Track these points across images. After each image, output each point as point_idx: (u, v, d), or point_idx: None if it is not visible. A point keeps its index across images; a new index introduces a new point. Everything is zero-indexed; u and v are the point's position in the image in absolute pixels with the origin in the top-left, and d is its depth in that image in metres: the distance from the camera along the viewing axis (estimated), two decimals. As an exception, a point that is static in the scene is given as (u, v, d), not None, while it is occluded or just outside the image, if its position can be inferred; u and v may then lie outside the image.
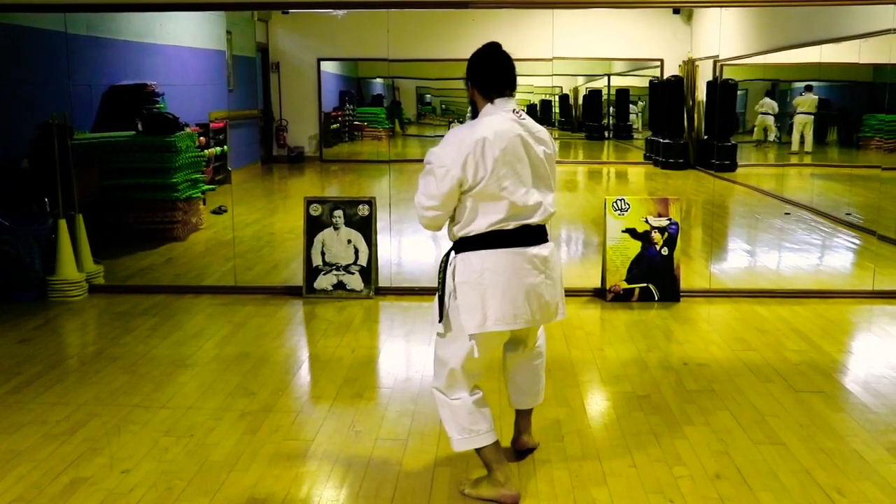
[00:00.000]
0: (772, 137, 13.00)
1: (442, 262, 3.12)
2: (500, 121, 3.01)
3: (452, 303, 3.06)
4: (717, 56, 12.53)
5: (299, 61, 14.83)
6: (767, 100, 12.91)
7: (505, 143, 2.96)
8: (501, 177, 2.95)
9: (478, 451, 3.13)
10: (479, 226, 3.01)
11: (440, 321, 3.10)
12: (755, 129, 13.15)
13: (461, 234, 3.05)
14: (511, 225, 3.01)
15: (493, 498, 3.10)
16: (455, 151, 2.95)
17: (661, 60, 14.76)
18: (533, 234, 3.07)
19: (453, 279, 3.05)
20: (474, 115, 3.15)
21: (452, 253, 3.11)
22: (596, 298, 5.96)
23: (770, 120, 12.84)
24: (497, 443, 3.15)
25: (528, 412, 3.49)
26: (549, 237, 3.15)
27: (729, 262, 7.74)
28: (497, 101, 3.07)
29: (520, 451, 3.49)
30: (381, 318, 5.62)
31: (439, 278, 3.11)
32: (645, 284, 5.88)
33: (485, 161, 2.93)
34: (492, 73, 3.10)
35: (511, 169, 2.96)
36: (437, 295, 3.11)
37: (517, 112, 3.07)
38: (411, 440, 3.63)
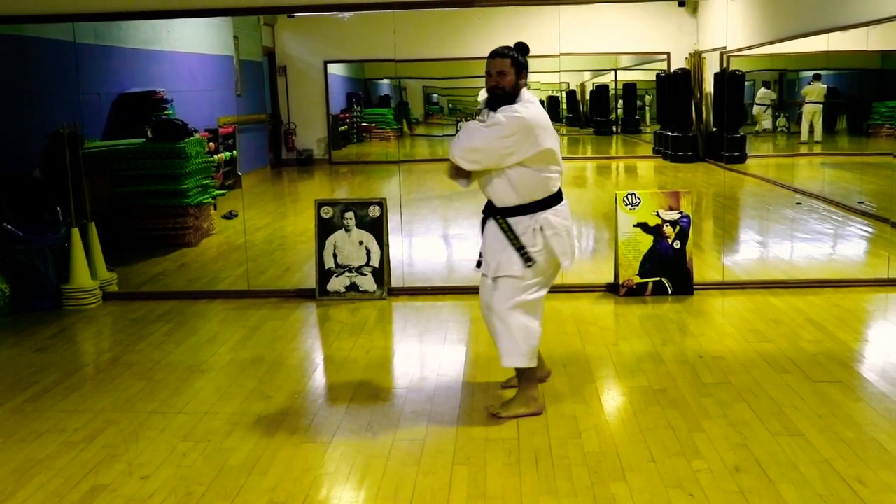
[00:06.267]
0: (767, 124, 12.97)
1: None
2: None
3: None
4: (724, 47, 12.44)
5: (306, 64, 14.83)
6: (763, 90, 12.91)
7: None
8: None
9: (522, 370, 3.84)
10: None
11: None
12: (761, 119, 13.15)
13: None
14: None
15: (525, 413, 3.79)
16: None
17: (668, 54, 14.69)
18: None
19: None
20: (513, 95, 3.64)
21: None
22: (609, 293, 5.95)
23: (766, 110, 12.82)
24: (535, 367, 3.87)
25: None
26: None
27: (741, 253, 7.71)
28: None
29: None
30: (394, 319, 5.63)
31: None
32: (658, 278, 5.86)
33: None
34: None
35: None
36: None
37: None
38: (429, 439, 3.63)
